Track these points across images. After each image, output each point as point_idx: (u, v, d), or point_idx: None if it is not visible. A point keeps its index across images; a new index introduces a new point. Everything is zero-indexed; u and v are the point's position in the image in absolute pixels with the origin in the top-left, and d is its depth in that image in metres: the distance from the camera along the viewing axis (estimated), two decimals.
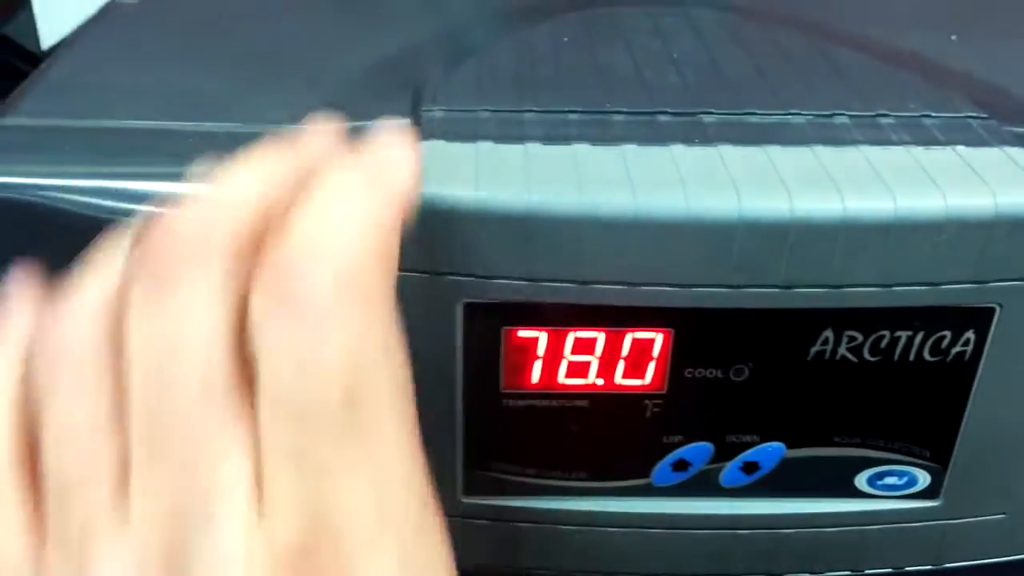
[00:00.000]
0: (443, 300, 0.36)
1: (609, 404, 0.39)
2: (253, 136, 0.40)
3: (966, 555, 0.43)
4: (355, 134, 0.40)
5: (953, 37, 0.49)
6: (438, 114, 0.39)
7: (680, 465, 0.40)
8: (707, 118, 0.40)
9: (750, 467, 0.40)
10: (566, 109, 0.40)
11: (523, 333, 0.37)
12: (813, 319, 0.37)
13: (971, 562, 0.43)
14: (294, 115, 0.41)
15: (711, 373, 0.38)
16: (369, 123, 0.41)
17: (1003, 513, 0.42)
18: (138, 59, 0.47)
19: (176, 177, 0.38)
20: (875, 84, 0.42)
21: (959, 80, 0.44)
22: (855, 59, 0.45)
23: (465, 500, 0.41)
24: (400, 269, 0.36)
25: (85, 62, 0.47)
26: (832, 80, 0.43)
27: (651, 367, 0.38)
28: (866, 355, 0.38)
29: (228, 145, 0.40)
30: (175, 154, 0.39)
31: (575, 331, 0.37)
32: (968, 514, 0.42)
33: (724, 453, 0.40)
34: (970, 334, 0.37)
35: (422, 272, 0.36)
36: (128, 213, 0.37)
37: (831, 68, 0.44)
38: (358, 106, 0.43)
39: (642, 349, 0.38)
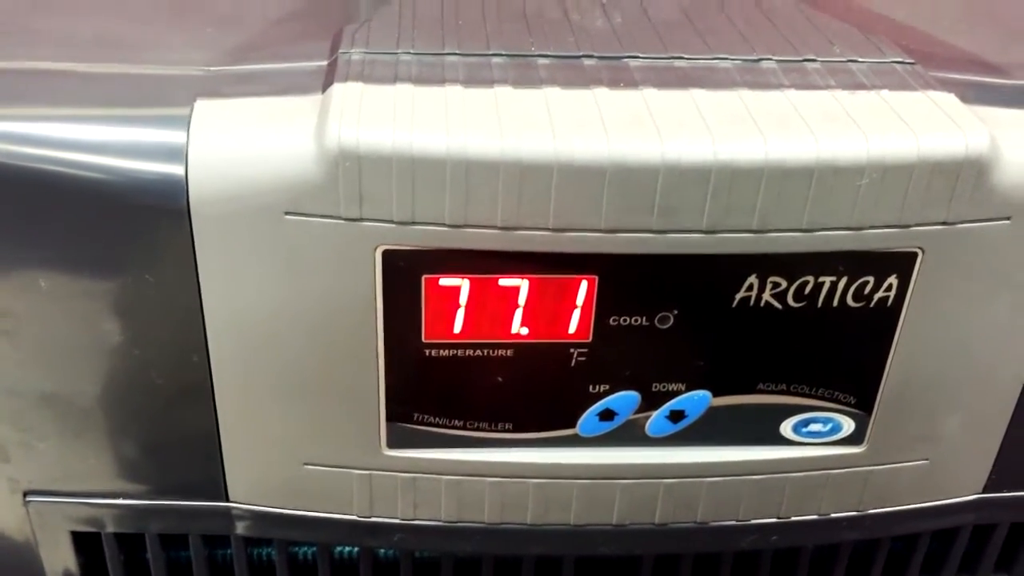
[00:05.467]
0: (360, 247, 0.35)
1: (534, 354, 0.38)
2: (166, 79, 0.39)
3: (889, 501, 0.44)
4: (270, 77, 0.39)
5: None
6: (357, 56, 0.38)
7: (607, 415, 0.40)
8: (633, 62, 0.39)
9: (676, 416, 0.40)
10: (489, 52, 0.39)
11: (444, 281, 0.36)
12: (737, 264, 0.36)
13: (893, 508, 0.44)
14: (209, 57, 0.40)
15: (636, 321, 0.38)
16: (286, 65, 0.40)
17: (925, 459, 0.43)
18: (48, 3, 0.45)
19: (85, 120, 0.37)
20: (803, 30, 0.42)
21: (886, 26, 0.44)
22: (784, 5, 0.44)
23: (388, 453, 0.40)
24: (315, 215, 0.35)
25: None
26: (761, 26, 0.42)
27: (576, 315, 0.37)
28: (790, 301, 0.37)
29: (141, 88, 0.39)
30: (86, 96, 0.38)
31: (498, 278, 0.36)
32: (891, 460, 0.42)
33: (650, 402, 0.40)
34: (893, 279, 0.37)
35: (337, 218, 0.35)
36: (34, 159, 0.36)
37: (760, 14, 0.43)
38: (276, 48, 0.41)
39: (566, 297, 0.37)
